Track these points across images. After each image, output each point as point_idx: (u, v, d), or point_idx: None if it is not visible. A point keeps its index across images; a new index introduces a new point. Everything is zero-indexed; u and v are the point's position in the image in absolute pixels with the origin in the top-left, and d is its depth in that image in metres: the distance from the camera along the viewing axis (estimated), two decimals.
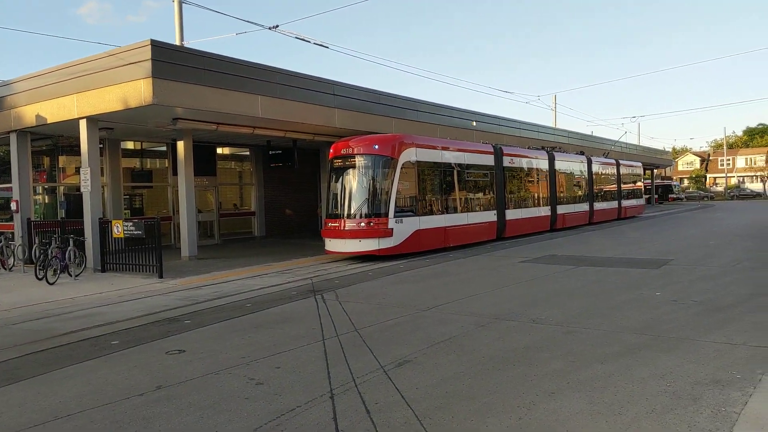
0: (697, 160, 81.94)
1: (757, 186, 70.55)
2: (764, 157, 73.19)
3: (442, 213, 16.53)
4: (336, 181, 15.32)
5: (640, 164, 34.14)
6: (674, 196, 56.66)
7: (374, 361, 5.75)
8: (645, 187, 35.00)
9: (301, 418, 4.39)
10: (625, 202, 30.45)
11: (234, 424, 4.33)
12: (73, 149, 16.47)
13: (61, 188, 18.14)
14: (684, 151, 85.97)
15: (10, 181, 16.09)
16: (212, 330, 7.60)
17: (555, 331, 6.82)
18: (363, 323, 7.47)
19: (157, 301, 9.95)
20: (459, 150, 17.72)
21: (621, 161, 31.10)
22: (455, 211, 17.11)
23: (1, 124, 15.55)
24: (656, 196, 53.51)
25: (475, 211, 18.01)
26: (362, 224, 14.55)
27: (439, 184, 16.67)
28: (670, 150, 69.47)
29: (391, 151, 14.95)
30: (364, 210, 14.73)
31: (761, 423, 4.01)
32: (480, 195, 18.50)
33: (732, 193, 64.80)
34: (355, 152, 15.08)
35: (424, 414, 4.38)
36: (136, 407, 4.77)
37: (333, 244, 15.00)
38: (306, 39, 16.37)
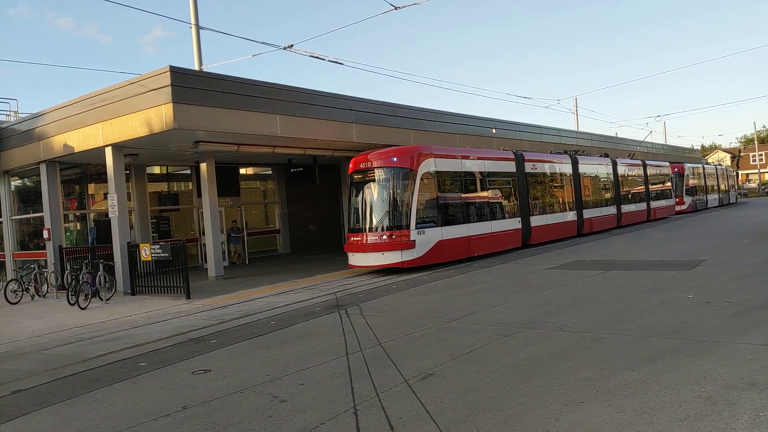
0: (728, 157, 79.68)
1: None
2: None
3: (465, 222, 16.39)
4: (356, 196, 15.36)
5: (668, 164, 33.54)
6: None
7: (398, 375, 5.69)
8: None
9: None
10: (654, 203, 29.84)
11: None
12: (101, 176, 16.87)
13: (91, 215, 18.61)
14: (713, 149, 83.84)
15: (41, 210, 16.57)
16: (237, 348, 7.65)
17: (582, 338, 6.66)
18: (386, 337, 7.42)
19: (184, 321, 10.07)
20: (479, 158, 17.62)
21: (648, 162, 30.53)
22: (478, 219, 16.94)
23: (32, 155, 16.09)
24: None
25: (499, 219, 17.82)
26: (384, 237, 14.52)
27: (460, 194, 16.56)
28: (699, 148, 67.79)
29: (410, 162, 14.94)
30: (386, 223, 14.71)
31: None
32: (503, 202, 18.32)
33: (766, 189, 62.80)
34: (374, 165, 15.11)
35: (448, 427, 4.30)
36: (161, 428, 4.81)
37: (356, 258, 15.01)
38: (321, 57, 16.52)
